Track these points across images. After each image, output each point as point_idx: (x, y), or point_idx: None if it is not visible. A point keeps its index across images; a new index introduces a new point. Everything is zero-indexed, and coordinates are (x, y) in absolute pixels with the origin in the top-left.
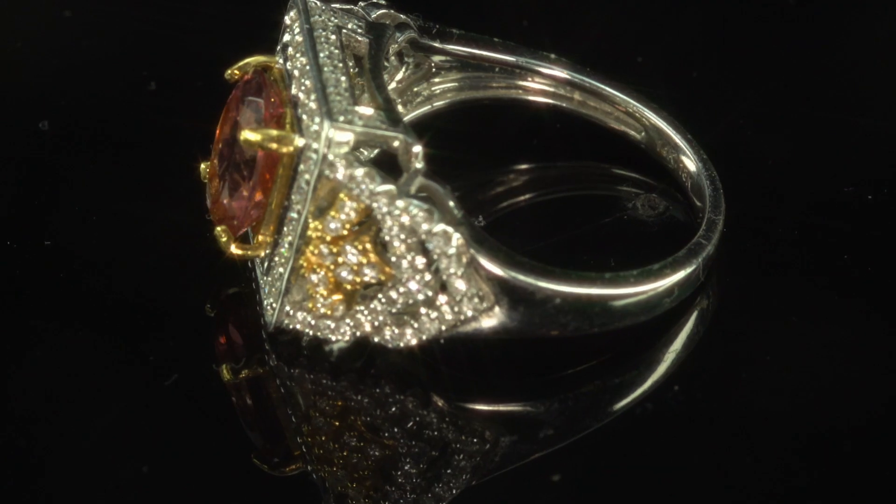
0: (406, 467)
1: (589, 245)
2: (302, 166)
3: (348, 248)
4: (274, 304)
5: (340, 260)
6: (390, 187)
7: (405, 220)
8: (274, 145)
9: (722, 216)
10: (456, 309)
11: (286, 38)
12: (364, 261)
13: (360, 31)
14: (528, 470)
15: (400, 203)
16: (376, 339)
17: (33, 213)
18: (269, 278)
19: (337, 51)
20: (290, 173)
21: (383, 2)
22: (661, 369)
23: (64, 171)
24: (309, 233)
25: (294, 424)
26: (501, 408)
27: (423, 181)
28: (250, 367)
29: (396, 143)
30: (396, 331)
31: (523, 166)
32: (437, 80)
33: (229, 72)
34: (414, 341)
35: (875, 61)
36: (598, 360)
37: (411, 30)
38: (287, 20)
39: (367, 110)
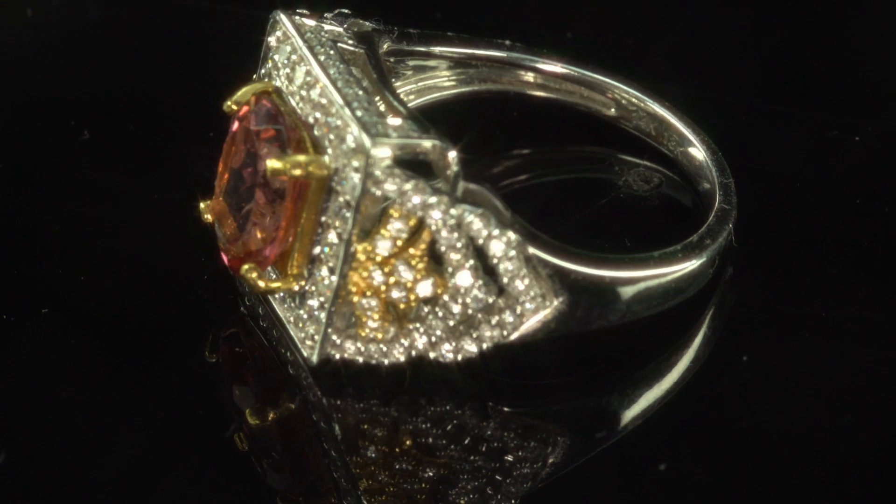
0: (463, 485)
1: (595, 228)
2: (339, 188)
3: (400, 266)
4: (315, 336)
5: (392, 280)
6: (443, 196)
7: (461, 227)
8: (304, 171)
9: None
10: (518, 311)
11: (277, 58)
12: (418, 276)
13: (351, 42)
14: (585, 469)
15: (454, 211)
16: (432, 356)
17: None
18: (303, 311)
19: (342, 65)
20: (319, 198)
21: (347, 11)
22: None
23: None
24: (359, 255)
25: (330, 459)
26: (554, 408)
27: (467, 185)
28: (278, 406)
29: (432, 150)
30: (454, 344)
31: (513, 152)
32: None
33: (228, 104)
34: (475, 351)
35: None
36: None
37: (387, 36)
38: (273, 41)
39: (395, 120)
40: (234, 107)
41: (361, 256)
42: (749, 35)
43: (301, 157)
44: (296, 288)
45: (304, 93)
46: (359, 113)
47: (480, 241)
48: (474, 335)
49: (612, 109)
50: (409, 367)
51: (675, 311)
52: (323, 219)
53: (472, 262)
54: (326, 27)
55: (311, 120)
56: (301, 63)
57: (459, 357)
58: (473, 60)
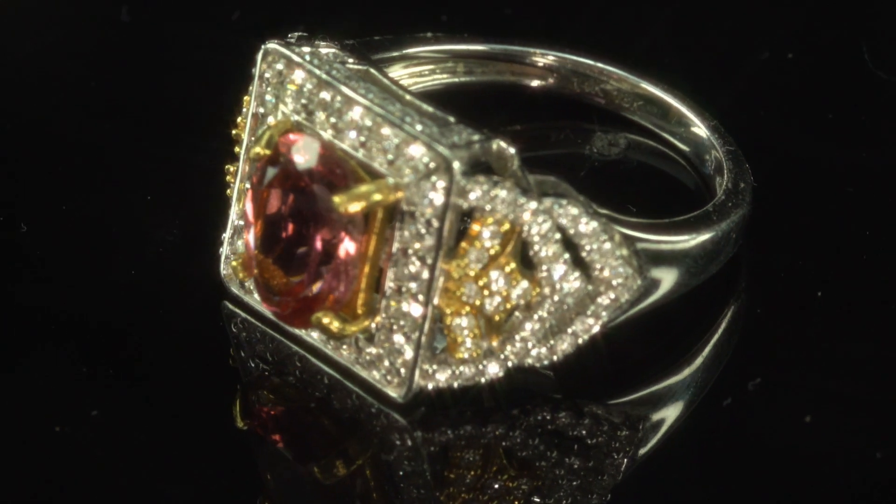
0: (560, 493)
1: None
2: (413, 209)
3: (494, 274)
4: (402, 371)
5: (486, 292)
6: (532, 194)
7: (551, 219)
8: (371, 201)
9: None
10: (612, 295)
11: (282, 90)
12: (513, 282)
13: (352, 60)
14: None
15: (543, 206)
16: (528, 363)
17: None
18: (376, 349)
19: (369, 83)
20: (385, 226)
21: (305, 33)
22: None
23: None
24: (452, 273)
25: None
26: (635, 395)
27: (540, 178)
28: (357, 453)
29: (495, 149)
30: (552, 344)
31: None
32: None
33: (257, 150)
34: (571, 348)
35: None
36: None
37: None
38: (270, 74)
39: (454, 127)
40: (266, 151)
41: (455, 274)
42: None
43: (365, 187)
44: (373, 326)
45: (333, 120)
46: (418, 127)
47: (571, 230)
48: (569, 331)
49: (602, 99)
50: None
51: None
52: (396, 246)
53: (566, 254)
54: (322, 50)
55: (351, 146)
56: (324, 89)
57: (555, 359)
58: (452, 58)
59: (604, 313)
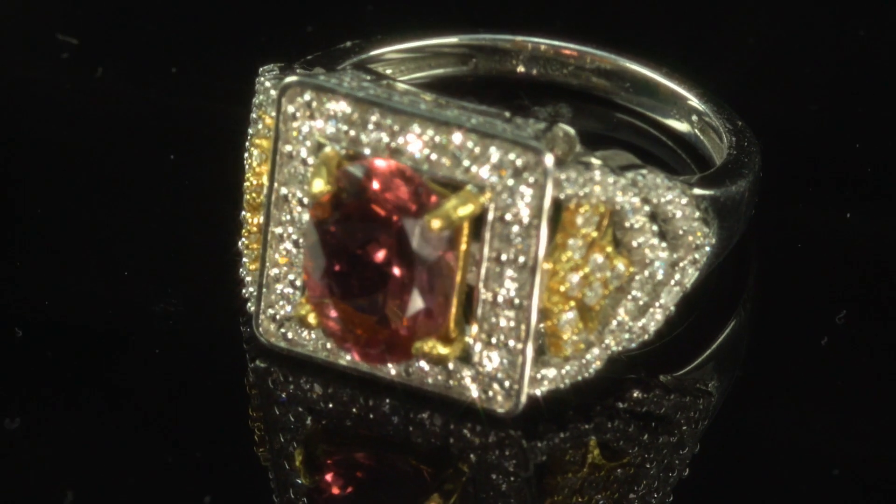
0: (646, 482)
1: None
2: (503, 213)
3: (593, 261)
4: (508, 384)
5: (588, 280)
6: (616, 170)
7: (638, 195)
8: (461, 216)
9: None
10: (694, 257)
11: (313, 125)
12: (611, 265)
13: (368, 77)
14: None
15: (629, 180)
16: (624, 347)
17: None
18: (480, 366)
19: (413, 96)
20: (470, 238)
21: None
22: None
23: None
24: (553, 268)
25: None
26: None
27: (606, 153)
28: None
29: (561, 134)
30: (643, 323)
31: None
32: None
33: (320, 189)
34: (661, 323)
35: None
36: None
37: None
38: (292, 109)
39: (513, 121)
40: (328, 188)
41: (557, 269)
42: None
43: (453, 202)
44: (469, 342)
45: (387, 139)
46: (499, 127)
47: (655, 200)
48: (658, 304)
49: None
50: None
51: None
52: (487, 255)
53: (654, 225)
54: (350, 70)
55: (416, 163)
56: (368, 110)
57: (646, 337)
58: (424, 54)
59: (686, 280)
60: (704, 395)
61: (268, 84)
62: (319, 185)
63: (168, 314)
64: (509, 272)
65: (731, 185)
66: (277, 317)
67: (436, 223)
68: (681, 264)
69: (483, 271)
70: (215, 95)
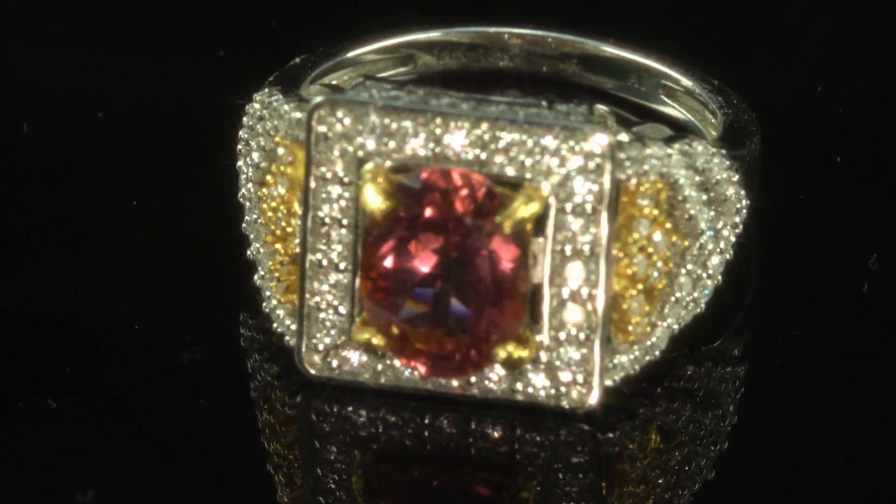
0: (696, 460)
1: None
2: (570, 203)
3: (656, 237)
4: (582, 378)
5: (653, 260)
6: (664, 142)
7: (687, 166)
8: (526, 214)
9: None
10: (733, 221)
11: (352, 142)
12: (671, 241)
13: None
14: None
15: (679, 149)
16: (679, 326)
17: None
18: (552, 364)
19: (448, 98)
20: (531, 235)
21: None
22: None
23: None
24: (619, 253)
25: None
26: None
27: (643, 127)
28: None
29: (600, 113)
30: (695, 296)
31: None
32: None
33: (376, 206)
34: (707, 298)
35: None
36: None
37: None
38: (324, 129)
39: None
40: (385, 204)
41: (623, 253)
42: None
43: (519, 201)
44: (539, 340)
45: (432, 145)
46: (548, 116)
47: (702, 167)
48: (707, 274)
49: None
50: None
51: None
52: (551, 250)
53: (703, 195)
54: (368, 82)
55: (466, 164)
56: (408, 118)
57: (698, 311)
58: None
59: (728, 247)
60: (740, 364)
61: (286, 108)
62: (376, 202)
63: (195, 362)
64: (575, 264)
65: (750, 143)
66: (321, 346)
67: (507, 225)
68: (724, 231)
69: (548, 267)
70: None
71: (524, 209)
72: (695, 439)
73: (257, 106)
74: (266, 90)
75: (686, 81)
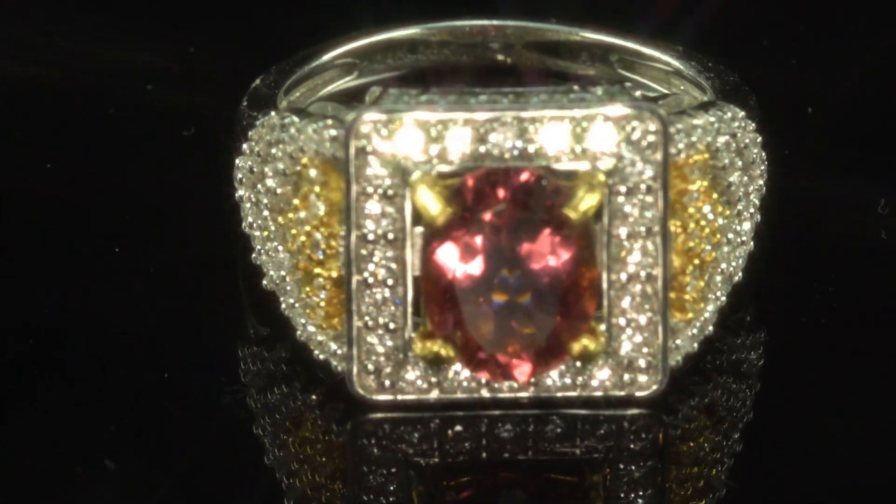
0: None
1: None
2: (624, 185)
3: (705, 209)
4: (643, 363)
5: (705, 232)
6: (702, 111)
7: (727, 133)
8: (592, 200)
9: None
10: (758, 184)
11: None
12: (717, 212)
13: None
14: None
15: (717, 116)
16: (724, 297)
17: None
18: (617, 353)
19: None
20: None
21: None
22: None
23: None
24: (677, 229)
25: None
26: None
27: (667, 99)
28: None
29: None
30: (734, 265)
31: None
32: None
33: (437, 212)
34: (743, 266)
35: None
36: None
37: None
38: (361, 143)
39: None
40: (448, 210)
41: (682, 229)
42: None
43: (580, 191)
44: (609, 329)
45: (474, 146)
46: (591, 100)
47: (738, 133)
48: (742, 241)
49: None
50: None
51: None
52: (607, 235)
53: (738, 160)
54: (390, 91)
55: (515, 161)
56: (454, 120)
57: (737, 279)
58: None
59: (755, 212)
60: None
61: (313, 128)
62: (436, 209)
63: (237, 400)
64: (635, 245)
65: (751, 100)
66: (371, 367)
67: (573, 218)
68: (752, 196)
69: (606, 252)
70: None
71: (589, 198)
72: (734, 411)
73: (264, 130)
74: (273, 114)
75: (648, 51)
